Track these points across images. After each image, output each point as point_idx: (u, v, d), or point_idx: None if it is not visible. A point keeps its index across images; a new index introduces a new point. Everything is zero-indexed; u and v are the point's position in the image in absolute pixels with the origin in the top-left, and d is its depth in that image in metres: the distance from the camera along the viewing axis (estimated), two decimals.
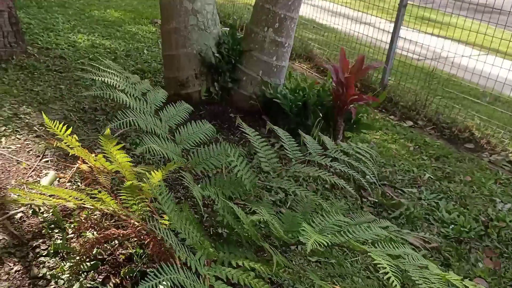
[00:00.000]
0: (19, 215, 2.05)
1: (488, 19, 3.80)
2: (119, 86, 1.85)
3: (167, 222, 1.77)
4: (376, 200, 2.65)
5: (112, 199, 1.74)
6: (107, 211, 1.79)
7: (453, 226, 2.52)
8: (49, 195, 1.80)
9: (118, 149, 1.68)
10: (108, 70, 1.93)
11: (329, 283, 1.52)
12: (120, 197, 1.72)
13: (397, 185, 2.88)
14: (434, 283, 1.26)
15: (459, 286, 1.27)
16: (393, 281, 1.18)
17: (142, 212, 1.77)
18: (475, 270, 2.19)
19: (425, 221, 2.55)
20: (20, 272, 1.74)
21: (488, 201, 2.85)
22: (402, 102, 4.24)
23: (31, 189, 2.19)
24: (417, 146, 3.56)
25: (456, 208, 2.70)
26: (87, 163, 2.27)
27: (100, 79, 1.82)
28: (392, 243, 1.51)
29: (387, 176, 2.96)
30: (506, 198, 2.91)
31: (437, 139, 3.78)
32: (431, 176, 3.06)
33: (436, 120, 4.00)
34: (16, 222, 2.00)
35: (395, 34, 4.34)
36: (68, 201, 1.74)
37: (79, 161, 2.42)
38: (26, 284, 1.70)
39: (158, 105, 1.94)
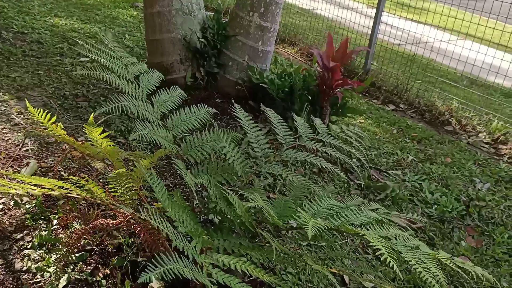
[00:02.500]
0: (0, 206, 1.97)
1: (464, 5, 3.87)
2: (109, 66, 1.77)
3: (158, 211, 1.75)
4: (363, 183, 2.70)
5: (100, 188, 1.70)
6: (95, 200, 1.75)
7: (436, 206, 2.60)
8: (31, 185, 1.74)
9: (104, 137, 1.64)
10: (101, 48, 1.84)
11: (324, 266, 1.54)
12: (108, 186, 1.68)
13: (382, 168, 2.94)
14: (426, 263, 1.30)
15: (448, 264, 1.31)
16: (389, 261, 1.21)
17: (131, 201, 1.74)
18: (459, 248, 2.28)
19: (409, 202, 2.62)
20: (2, 266, 1.67)
21: (468, 182, 2.95)
22: (385, 86, 4.30)
23: (12, 179, 2.11)
24: (399, 129, 3.63)
25: (438, 188, 2.78)
26: (77, 149, 2.20)
27: (93, 57, 1.74)
28: (383, 225, 1.54)
29: (372, 159, 3.01)
30: (485, 178, 3.02)
31: (418, 122, 3.87)
32: (414, 158, 3.14)
33: (417, 104, 4.08)
34: None
35: (377, 20, 4.37)
36: (53, 190, 1.69)
37: (67, 147, 2.35)
38: (10, 279, 1.63)
39: (151, 90, 1.88)
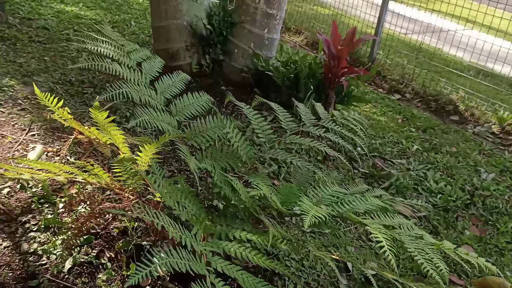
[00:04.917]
0: (6, 190, 1.98)
1: None
2: (111, 55, 1.78)
3: None
4: (367, 171, 2.69)
5: (106, 173, 1.71)
6: (100, 185, 1.76)
7: (440, 195, 2.59)
8: (37, 170, 1.75)
9: (109, 122, 1.64)
10: (102, 38, 1.85)
11: (326, 253, 1.55)
12: (114, 171, 1.68)
13: (386, 157, 2.93)
14: (429, 253, 1.29)
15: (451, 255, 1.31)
16: (388, 254, 1.20)
17: (136, 186, 1.75)
18: (463, 237, 2.28)
19: (414, 191, 2.62)
20: (9, 248, 1.69)
21: (473, 171, 2.94)
22: (390, 75, 4.27)
23: (18, 163, 2.13)
24: (405, 119, 3.61)
25: (443, 178, 2.77)
26: (83, 134, 2.21)
27: (92, 48, 1.74)
28: (387, 213, 1.53)
29: (377, 148, 3.00)
30: (490, 168, 3.01)
31: (423, 111, 3.85)
32: (419, 148, 3.13)
33: (423, 93, 4.05)
34: (3, 197, 1.94)
35: (383, 8, 4.32)
36: (58, 175, 1.70)
37: (75, 132, 2.36)
38: (16, 260, 1.65)
39: (154, 76, 1.88)
